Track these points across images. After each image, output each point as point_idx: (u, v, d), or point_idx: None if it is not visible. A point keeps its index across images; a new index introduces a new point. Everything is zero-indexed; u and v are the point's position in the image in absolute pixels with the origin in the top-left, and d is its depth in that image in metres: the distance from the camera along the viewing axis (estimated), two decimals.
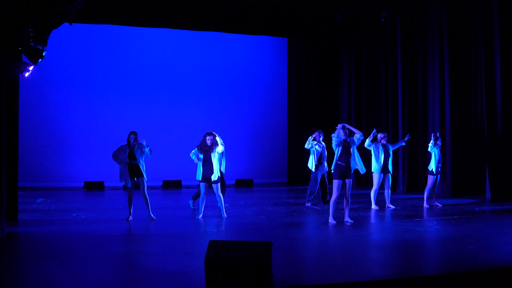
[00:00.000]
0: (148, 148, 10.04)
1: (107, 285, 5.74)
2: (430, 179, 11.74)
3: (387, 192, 11.77)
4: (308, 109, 18.89)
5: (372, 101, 17.53)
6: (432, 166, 11.69)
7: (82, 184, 16.19)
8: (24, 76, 9.18)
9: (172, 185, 16.73)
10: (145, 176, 10.01)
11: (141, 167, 9.98)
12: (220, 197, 10.43)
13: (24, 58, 9.04)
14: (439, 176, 11.96)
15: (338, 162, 9.47)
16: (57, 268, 6.44)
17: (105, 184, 16.32)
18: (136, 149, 9.99)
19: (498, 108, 13.02)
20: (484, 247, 7.48)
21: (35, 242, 8.17)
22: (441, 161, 11.90)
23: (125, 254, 7.34)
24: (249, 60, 18.73)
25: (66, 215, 10.74)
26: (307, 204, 12.20)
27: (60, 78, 16.89)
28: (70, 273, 6.22)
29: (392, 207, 11.64)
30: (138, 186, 10.07)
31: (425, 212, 11.20)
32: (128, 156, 9.94)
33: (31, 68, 9.04)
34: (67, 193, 15.05)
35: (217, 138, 10.43)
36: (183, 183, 16.86)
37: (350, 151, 9.48)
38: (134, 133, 10.09)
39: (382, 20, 15.27)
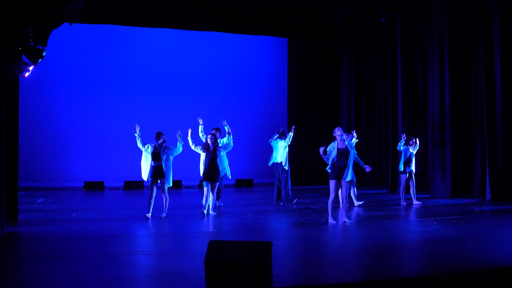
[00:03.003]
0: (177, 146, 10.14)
1: (107, 285, 5.74)
2: (403, 178, 12.03)
3: (353, 190, 11.97)
4: (308, 109, 18.89)
5: (372, 101, 17.54)
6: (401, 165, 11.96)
7: (82, 184, 16.19)
8: (24, 76, 9.18)
9: (172, 185, 16.70)
10: (166, 177, 10.13)
11: (164, 168, 10.06)
12: (214, 195, 10.62)
13: (24, 58, 9.03)
14: (413, 175, 12.12)
15: (335, 163, 9.49)
16: (57, 268, 6.44)
17: (105, 184, 16.32)
18: (162, 150, 10.07)
19: (498, 108, 13.02)
20: (484, 247, 7.48)
21: (35, 242, 8.16)
22: (412, 161, 12.06)
23: (125, 254, 7.33)
24: (249, 60, 18.73)
25: (66, 215, 10.74)
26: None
27: (60, 78, 16.89)
28: (70, 273, 6.22)
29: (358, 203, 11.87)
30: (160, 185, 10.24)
31: (424, 212, 11.20)
32: (152, 156, 10.02)
33: (31, 68, 9.03)
34: (67, 193, 15.05)
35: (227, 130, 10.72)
36: (183, 183, 16.86)
37: (347, 154, 9.48)
38: (161, 134, 10.19)
39: (382, 20, 15.27)
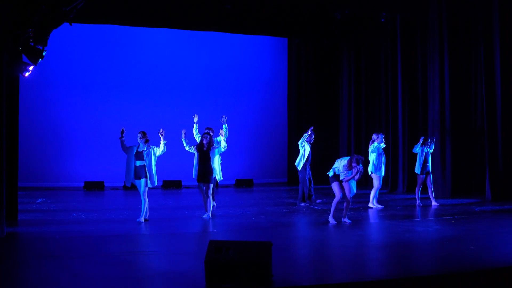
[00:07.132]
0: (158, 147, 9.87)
1: (107, 285, 5.74)
2: (419, 179, 12.02)
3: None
4: (308, 109, 18.87)
5: (372, 101, 17.53)
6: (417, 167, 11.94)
7: (82, 184, 16.19)
8: (24, 76, 9.18)
9: (172, 185, 16.73)
10: (148, 178, 9.69)
11: (147, 168, 9.71)
12: (210, 197, 10.25)
13: (24, 58, 9.04)
14: (431, 175, 12.04)
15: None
16: (57, 268, 6.44)
17: (105, 184, 16.31)
18: (145, 149, 9.75)
19: (498, 108, 13.02)
20: (484, 247, 7.49)
21: (35, 242, 8.17)
22: (429, 161, 11.97)
23: (125, 254, 7.33)
24: (249, 60, 18.72)
25: (66, 215, 10.74)
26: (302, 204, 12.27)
27: (60, 78, 16.88)
28: (70, 273, 6.22)
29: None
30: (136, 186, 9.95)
31: (424, 212, 11.21)
32: (135, 156, 9.72)
33: (31, 68, 9.03)
34: (67, 193, 15.05)
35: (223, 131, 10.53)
36: (183, 183, 16.86)
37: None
38: (144, 133, 9.85)
39: (382, 20, 15.26)
